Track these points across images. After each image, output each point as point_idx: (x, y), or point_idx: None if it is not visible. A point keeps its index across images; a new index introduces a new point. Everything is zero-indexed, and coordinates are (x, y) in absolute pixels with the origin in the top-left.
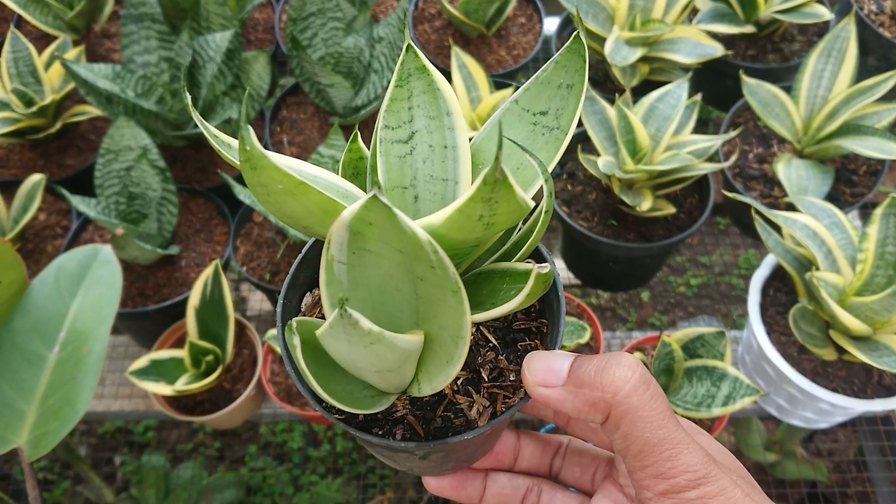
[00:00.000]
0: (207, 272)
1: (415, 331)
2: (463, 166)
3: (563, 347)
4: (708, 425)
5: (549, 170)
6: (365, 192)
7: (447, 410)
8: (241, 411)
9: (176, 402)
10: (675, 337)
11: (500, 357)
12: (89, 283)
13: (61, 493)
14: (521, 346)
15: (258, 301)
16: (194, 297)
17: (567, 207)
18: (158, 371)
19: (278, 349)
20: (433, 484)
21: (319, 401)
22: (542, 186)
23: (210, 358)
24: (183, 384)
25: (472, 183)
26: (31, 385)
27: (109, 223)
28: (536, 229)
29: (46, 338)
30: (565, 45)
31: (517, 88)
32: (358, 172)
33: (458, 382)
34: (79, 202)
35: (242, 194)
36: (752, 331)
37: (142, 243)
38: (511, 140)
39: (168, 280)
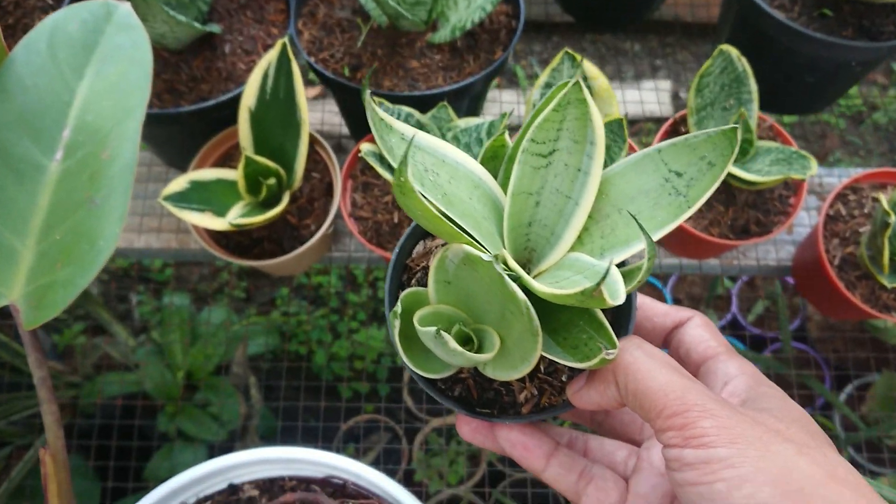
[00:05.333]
0: (270, 57)
1: (487, 343)
2: (589, 191)
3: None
4: None
5: (663, 234)
6: (495, 178)
7: (501, 386)
8: (311, 254)
9: (225, 239)
10: None
11: None
12: (103, 56)
13: (72, 337)
14: None
15: (318, 109)
16: (249, 95)
17: None
18: (202, 197)
19: (375, 165)
20: (504, 433)
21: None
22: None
23: (272, 182)
24: (238, 216)
25: (576, 286)
26: (24, 210)
27: None
28: (631, 285)
29: (42, 137)
30: (722, 129)
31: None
32: (495, 156)
33: None
34: None
35: None
36: None
37: (172, 12)
38: (631, 214)
39: (207, 72)
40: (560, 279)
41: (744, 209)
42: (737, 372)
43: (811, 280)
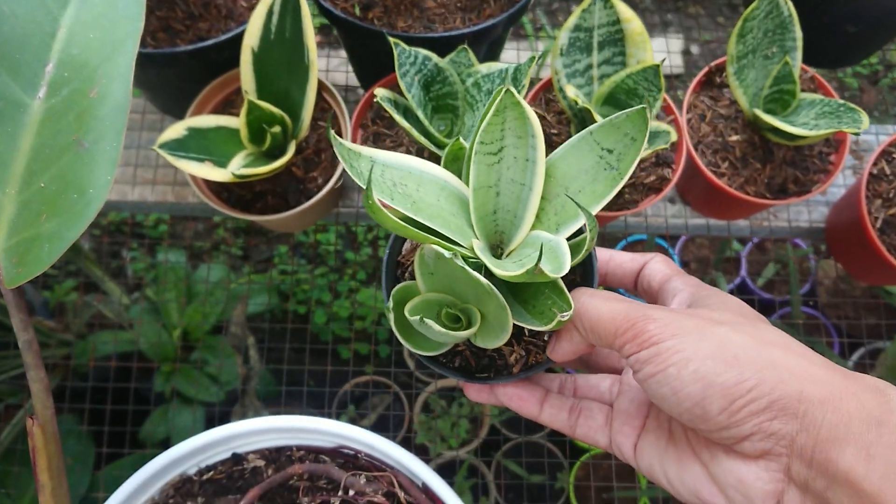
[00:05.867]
0: None
1: (474, 319)
2: (538, 177)
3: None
4: None
5: (603, 204)
6: (459, 176)
7: (494, 353)
8: (318, 210)
9: (226, 192)
10: None
11: None
12: None
13: (64, 294)
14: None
15: (322, 54)
16: (252, 34)
17: None
18: (201, 146)
19: (391, 111)
20: (501, 390)
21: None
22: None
23: (277, 130)
24: (241, 167)
25: (523, 266)
26: (4, 154)
27: None
28: (578, 257)
29: (23, 73)
30: (635, 108)
31: None
32: (456, 158)
33: None
34: None
35: None
36: None
37: None
38: (570, 197)
39: (206, 9)
40: (524, 256)
41: (781, 167)
42: (682, 286)
43: (848, 243)
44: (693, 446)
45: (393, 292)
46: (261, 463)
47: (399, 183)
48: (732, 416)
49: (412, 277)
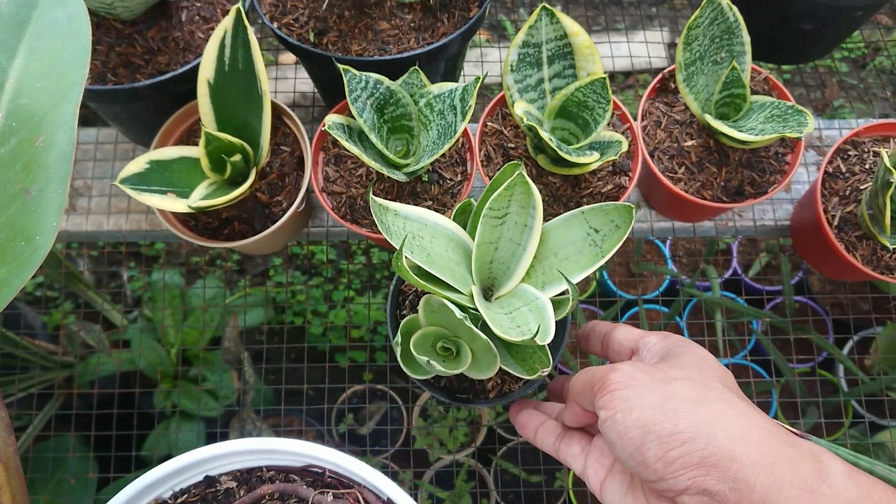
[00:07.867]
0: (224, 25)
1: (462, 351)
2: (533, 240)
3: None
4: None
5: (584, 276)
6: (464, 227)
7: (475, 377)
8: (286, 232)
9: (193, 220)
10: None
11: None
12: (37, 32)
13: (62, 317)
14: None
15: (293, 75)
16: (207, 66)
17: None
18: (163, 178)
19: (340, 139)
20: (515, 418)
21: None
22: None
23: (237, 159)
24: (201, 197)
25: (519, 334)
26: None
27: None
28: (561, 314)
29: None
30: (624, 203)
31: None
32: (464, 211)
33: None
34: None
35: None
36: None
37: None
38: (560, 272)
39: (164, 43)
40: (513, 307)
41: (737, 169)
42: (657, 340)
43: (810, 241)
44: (647, 496)
45: (401, 326)
46: (233, 484)
47: (417, 235)
48: (668, 466)
49: (412, 305)
